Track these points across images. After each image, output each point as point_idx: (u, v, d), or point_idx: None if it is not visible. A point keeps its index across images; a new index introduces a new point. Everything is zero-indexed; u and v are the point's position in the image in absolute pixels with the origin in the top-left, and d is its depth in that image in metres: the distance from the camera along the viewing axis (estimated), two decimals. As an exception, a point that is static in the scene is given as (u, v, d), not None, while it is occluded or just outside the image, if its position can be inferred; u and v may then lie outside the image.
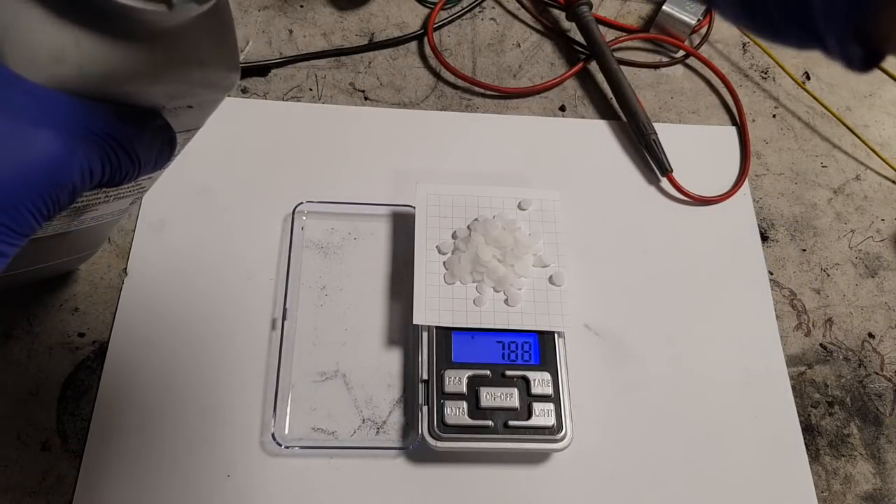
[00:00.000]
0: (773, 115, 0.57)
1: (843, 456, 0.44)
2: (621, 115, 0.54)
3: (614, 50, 0.56)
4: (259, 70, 0.53)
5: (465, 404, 0.40)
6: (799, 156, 0.55)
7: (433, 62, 0.56)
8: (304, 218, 0.47)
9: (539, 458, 0.41)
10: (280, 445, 0.39)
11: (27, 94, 0.21)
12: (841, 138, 0.57)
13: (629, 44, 0.59)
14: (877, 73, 0.61)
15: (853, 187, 0.54)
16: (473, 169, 0.50)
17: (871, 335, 0.48)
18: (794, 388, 0.46)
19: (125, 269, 0.44)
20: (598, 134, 0.54)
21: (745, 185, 0.52)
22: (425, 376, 0.40)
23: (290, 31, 0.55)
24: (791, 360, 0.47)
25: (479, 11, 0.59)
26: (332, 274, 0.46)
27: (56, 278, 0.43)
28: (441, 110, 0.53)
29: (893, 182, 0.55)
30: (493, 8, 0.59)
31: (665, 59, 0.59)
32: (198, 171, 0.48)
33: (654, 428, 0.43)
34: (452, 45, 0.57)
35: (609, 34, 0.59)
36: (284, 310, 0.43)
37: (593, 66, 0.57)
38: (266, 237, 0.46)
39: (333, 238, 0.47)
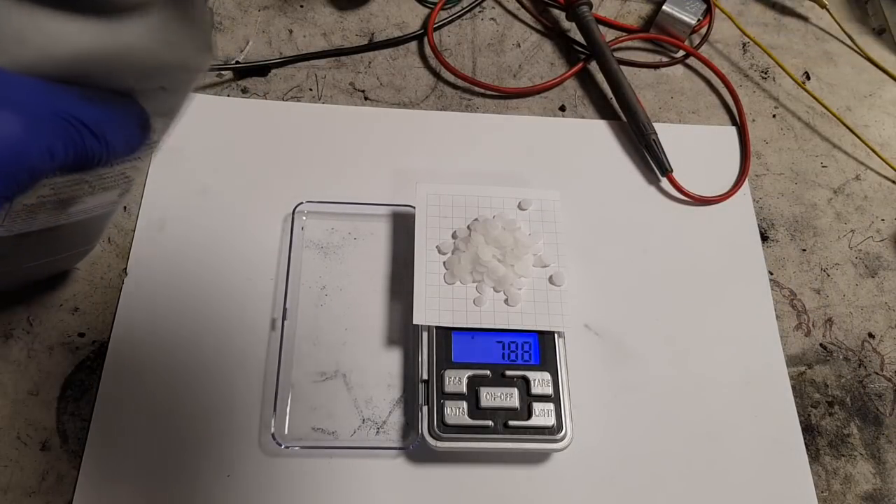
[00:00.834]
0: (773, 115, 0.57)
1: (843, 456, 0.44)
2: (621, 115, 0.54)
3: (614, 50, 0.56)
4: (259, 70, 0.53)
5: (465, 404, 0.40)
6: (799, 156, 0.55)
7: (433, 62, 0.56)
8: (304, 218, 0.47)
9: (539, 458, 0.41)
10: (280, 445, 0.39)
11: None
12: (841, 138, 0.57)
13: (629, 44, 0.59)
14: (877, 72, 0.61)
15: (853, 187, 0.54)
16: (473, 169, 0.50)
17: (871, 335, 0.48)
18: (794, 388, 0.46)
19: (125, 269, 0.44)
20: (598, 134, 0.54)
21: (745, 185, 0.52)
22: (425, 376, 0.40)
23: (290, 31, 0.55)
24: (791, 360, 0.47)
25: (479, 11, 0.59)
26: (332, 274, 0.46)
27: (56, 278, 0.43)
28: (441, 110, 0.53)
29: (893, 182, 0.55)
30: (493, 8, 0.59)
31: (665, 59, 0.59)
32: (198, 171, 0.48)
33: (654, 428, 0.43)
34: (452, 45, 0.57)
35: (609, 34, 0.59)
36: (284, 310, 0.43)
37: (593, 66, 0.57)
38: (266, 237, 0.46)
39: (333, 238, 0.47)
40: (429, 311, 0.41)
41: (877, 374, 0.47)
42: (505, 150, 0.52)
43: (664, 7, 0.57)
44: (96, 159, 0.24)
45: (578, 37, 0.57)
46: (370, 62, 0.55)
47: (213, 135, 0.50)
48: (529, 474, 0.41)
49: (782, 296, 0.49)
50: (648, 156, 0.52)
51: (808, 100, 0.58)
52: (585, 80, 0.57)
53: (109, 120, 0.24)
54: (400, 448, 0.41)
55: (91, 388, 0.41)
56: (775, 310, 0.48)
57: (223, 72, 0.52)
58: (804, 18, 0.63)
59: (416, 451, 0.40)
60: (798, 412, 0.45)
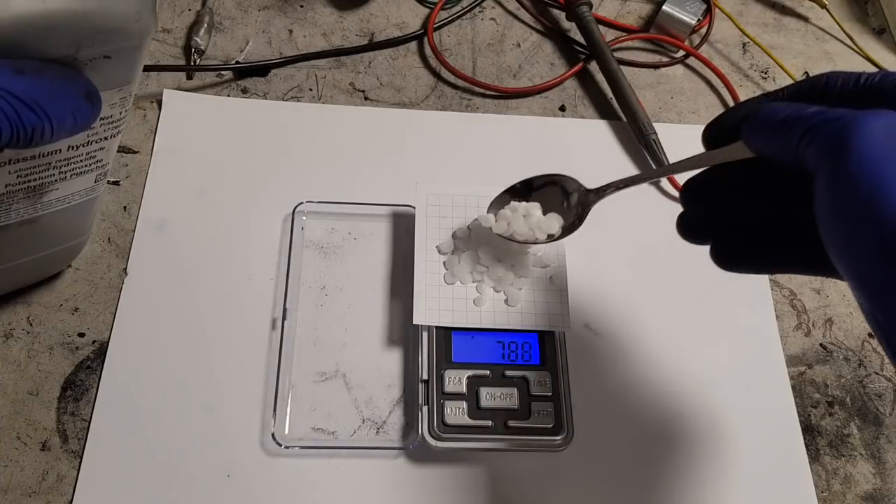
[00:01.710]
0: (773, 115, 0.57)
1: (843, 456, 0.44)
2: (621, 115, 0.54)
3: (614, 50, 0.56)
4: (259, 70, 0.53)
5: (465, 404, 0.40)
6: (799, 156, 0.55)
7: (433, 62, 0.56)
8: (304, 218, 0.47)
9: (539, 458, 0.41)
10: (280, 445, 0.39)
11: None
12: (841, 138, 0.56)
13: (629, 44, 0.59)
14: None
15: (853, 187, 0.54)
16: (473, 169, 0.50)
17: (871, 335, 0.48)
18: (794, 388, 0.46)
19: (125, 269, 0.44)
20: (598, 134, 0.54)
21: (745, 185, 0.52)
22: (425, 376, 0.40)
23: (290, 31, 0.55)
24: (791, 360, 0.47)
25: (479, 11, 0.59)
26: (332, 274, 0.46)
27: (56, 278, 0.43)
28: (441, 110, 0.53)
29: (893, 182, 0.55)
30: (493, 8, 0.59)
31: (665, 59, 0.59)
32: (198, 171, 0.48)
33: (654, 428, 0.43)
34: (452, 45, 0.57)
35: (609, 34, 0.59)
36: (284, 310, 0.43)
37: (593, 66, 0.57)
38: (266, 237, 0.46)
39: (333, 238, 0.47)
40: (429, 311, 0.41)
41: (877, 374, 0.47)
42: (505, 150, 0.52)
43: (664, 7, 0.57)
44: (38, 134, 0.23)
45: (578, 37, 0.57)
46: (370, 62, 0.55)
47: (213, 135, 0.50)
48: (529, 474, 0.41)
49: (782, 296, 0.49)
50: (648, 156, 0.52)
51: (808, 100, 0.58)
52: (585, 80, 0.57)
53: (48, 92, 0.23)
54: (400, 448, 0.41)
55: (91, 388, 0.41)
56: (775, 310, 0.48)
57: (223, 72, 0.52)
58: (804, 18, 0.63)
59: (416, 451, 0.40)
60: (798, 412, 0.45)
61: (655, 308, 0.47)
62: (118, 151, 0.48)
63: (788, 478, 0.43)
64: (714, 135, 0.30)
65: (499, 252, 0.43)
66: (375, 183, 0.49)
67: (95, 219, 0.42)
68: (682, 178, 0.51)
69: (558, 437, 0.39)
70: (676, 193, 0.51)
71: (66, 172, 0.32)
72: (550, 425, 0.39)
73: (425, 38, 0.56)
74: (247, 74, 0.53)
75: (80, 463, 0.39)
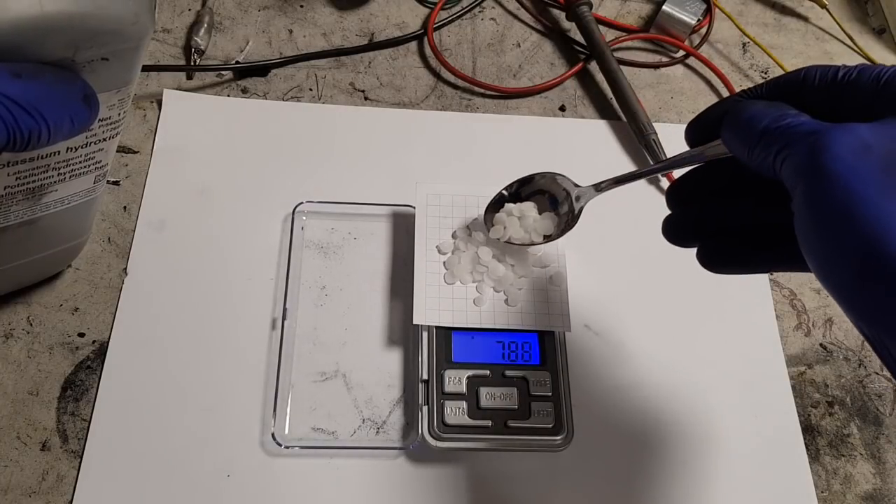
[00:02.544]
0: (773, 115, 0.57)
1: (843, 456, 0.44)
2: (621, 115, 0.54)
3: (614, 50, 0.56)
4: (259, 70, 0.53)
5: (465, 404, 0.40)
6: (799, 156, 0.55)
7: (433, 62, 0.56)
8: (304, 218, 0.47)
9: (539, 458, 0.41)
10: (280, 445, 0.39)
11: None
12: (841, 138, 0.56)
13: (629, 44, 0.59)
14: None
15: (853, 187, 0.54)
16: (473, 169, 0.50)
17: (871, 335, 0.48)
18: (794, 388, 0.46)
19: (125, 269, 0.44)
20: (598, 134, 0.54)
21: (745, 185, 0.52)
22: (425, 376, 0.40)
23: (290, 31, 0.55)
24: (791, 360, 0.47)
25: (479, 11, 0.59)
26: (332, 274, 0.46)
27: (55, 278, 0.43)
28: (441, 110, 0.53)
29: (893, 182, 0.55)
30: (493, 8, 0.59)
31: (665, 59, 0.59)
32: (198, 171, 0.48)
33: (654, 428, 0.43)
34: (452, 45, 0.57)
35: (609, 34, 0.59)
36: (284, 310, 0.43)
37: (593, 66, 0.57)
38: (266, 237, 0.46)
39: (333, 238, 0.47)
40: (429, 311, 0.41)
41: (877, 374, 0.47)
42: (505, 150, 0.52)
43: (664, 7, 0.57)
44: (35, 137, 0.23)
45: (578, 37, 0.57)
46: (370, 62, 0.55)
47: (213, 135, 0.50)
48: (529, 474, 0.41)
49: (782, 296, 0.49)
50: (648, 156, 0.52)
51: (808, 100, 0.58)
52: (585, 80, 0.57)
53: (45, 96, 0.23)
54: (400, 448, 0.41)
55: (91, 388, 0.41)
56: (775, 310, 0.48)
57: (223, 72, 0.52)
58: (804, 18, 0.63)
59: (416, 451, 0.40)
60: (798, 412, 0.45)
61: (655, 308, 0.47)
62: (118, 151, 0.48)
63: (788, 478, 0.43)
64: (696, 134, 0.30)
65: (499, 252, 0.43)
66: (375, 183, 0.49)
67: (95, 219, 0.42)
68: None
69: (558, 437, 0.39)
70: (676, 193, 0.51)
71: (65, 174, 0.32)
72: (550, 425, 0.39)
73: (425, 38, 0.56)
74: (247, 74, 0.53)
75: (80, 463, 0.39)
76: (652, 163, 0.52)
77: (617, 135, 0.54)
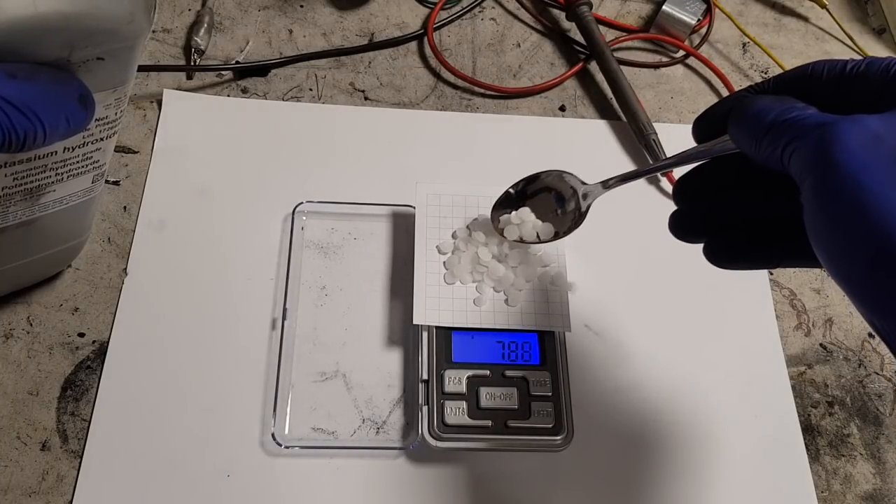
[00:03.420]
0: (773, 115, 0.57)
1: (843, 456, 0.44)
2: (621, 115, 0.54)
3: (614, 50, 0.56)
4: (259, 70, 0.53)
5: (465, 404, 0.40)
6: (799, 156, 0.55)
7: (433, 62, 0.56)
8: (304, 218, 0.47)
9: (539, 458, 0.41)
10: (280, 445, 0.39)
11: None
12: (841, 138, 0.56)
13: (629, 44, 0.59)
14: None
15: (853, 187, 0.54)
16: (473, 169, 0.50)
17: (871, 335, 0.48)
18: (794, 388, 0.46)
19: (125, 269, 0.44)
20: (598, 134, 0.54)
21: (745, 185, 0.52)
22: (425, 376, 0.40)
23: (290, 31, 0.55)
24: (791, 360, 0.47)
25: (479, 11, 0.59)
26: (332, 274, 0.46)
27: (55, 278, 0.43)
28: (441, 110, 0.53)
29: (893, 182, 0.55)
30: (493, 8, 0.59)
31: (665, 59, 0.59)
32: (198, 171, 0.48)
33: (654, 428, 0.43)
34: (452, 45, 0.57)
35: (609, 34, 0.59)
36: (284, 310, 0.43)
37: (593, 66, 0.57)
38: (266, 237, 0.46)
39: (333, 238, 0.47)
40: (429, 311, 0.41)
41: (877, 374, 0.47)
42: (505, 150, 0.52)
43: (664, 7, 0.57)
44: (31, 138, 0.23)
45: (578, 37, 0.57)
46: (370, 62, 0.55)
47: (213, 135, 0.50)
48: (529, 474, 0.41)
49: (782, 296, 0.49)
50: (648, 156, 0.52)
51: (808, 100, 0.58)
52: (585, 80, 0.57)
53: (41, 96, 0.23)
54: (400, 448, 0.41)
55: (91, 388, 0.41)
56: (775, 310, 0.48)
57: (223, 72, 0.52)
58: (804, 18, 0.63)
59: (416, 451, 0.40)
60: (798, 412, 0.45)
61: (655, 308, 0.47)
62: (118, 151, 0.48)
63: (788, 478, 0.43)
64: (703, 130, 0.30)
65: (499, 252, 0.43)
66: (375, 183, 0.49)
67: (95, 219, 0.42)
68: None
69: (558, 437, 0.39)
70: (676, 193, 0.51)
71: (62, 174, 0.32)
72: (550, 425, 0.39)
73: (425, 38, 0.56)
74: (247, 74, 0.53)
75: (80, 463, 0.39)
76: (652, 163, 0.52)
77: (617, 135, 0.54)
